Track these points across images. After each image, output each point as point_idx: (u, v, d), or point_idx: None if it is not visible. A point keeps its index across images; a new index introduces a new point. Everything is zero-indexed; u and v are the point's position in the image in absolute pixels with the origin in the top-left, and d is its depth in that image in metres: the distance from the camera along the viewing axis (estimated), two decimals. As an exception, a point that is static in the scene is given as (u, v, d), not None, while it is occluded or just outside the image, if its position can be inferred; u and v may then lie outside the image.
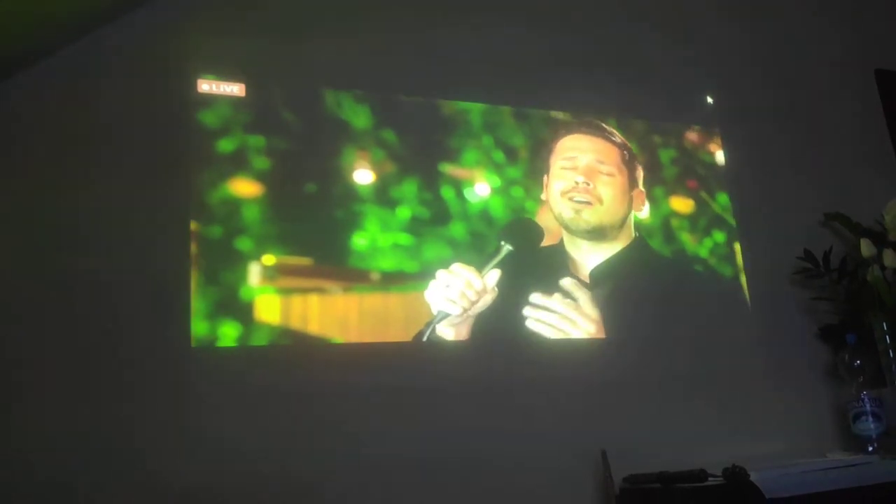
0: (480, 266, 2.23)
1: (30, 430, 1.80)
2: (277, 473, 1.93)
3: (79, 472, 1.80)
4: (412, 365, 2.16)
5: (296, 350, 2.05)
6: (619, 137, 2.52)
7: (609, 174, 2.42)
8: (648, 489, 2.02)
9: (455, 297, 2.18)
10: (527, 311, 2.28)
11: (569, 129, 2.50)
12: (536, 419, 2.16)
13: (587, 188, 2.38)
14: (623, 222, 2.44)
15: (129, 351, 1.90)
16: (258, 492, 1.89)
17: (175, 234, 2.02)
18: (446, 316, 2.18)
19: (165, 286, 1.97)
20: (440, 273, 2.20)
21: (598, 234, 2.40)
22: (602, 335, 2.34)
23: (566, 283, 2.33)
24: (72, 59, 2.04)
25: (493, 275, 2.23)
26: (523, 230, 2.35)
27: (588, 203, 2.37)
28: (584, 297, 2.33)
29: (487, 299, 2.22)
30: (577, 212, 2.37)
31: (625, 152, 2.50)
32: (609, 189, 2.41)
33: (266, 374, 2.00)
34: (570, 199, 2.38)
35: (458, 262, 2.23)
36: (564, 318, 2.30)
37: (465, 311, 2.19)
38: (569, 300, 2.32)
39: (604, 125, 2.52)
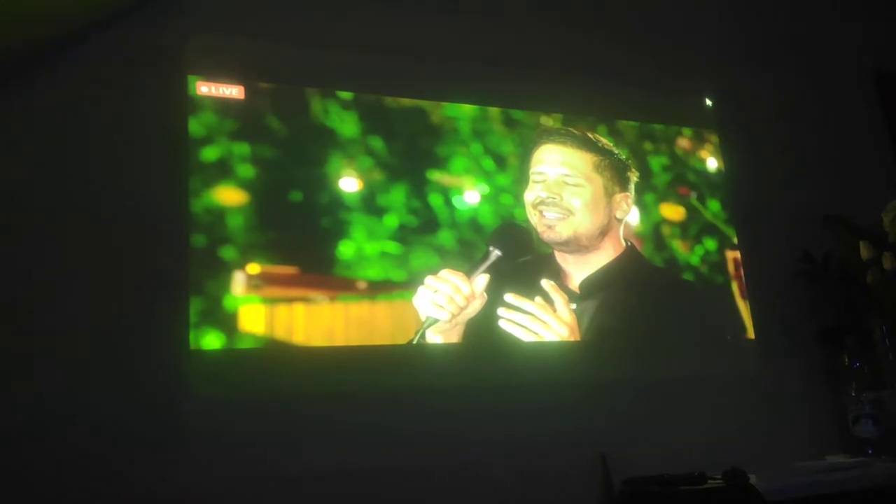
0: (469, 272, 2.28)
1: (29, 426, 1.85)
2: (274, 474, 1.98)
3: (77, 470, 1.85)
4: (405, 368, 2.22)
5: (288, 352, 2.10)
6: (596, 144, 2.53)
7: (577, 185, 2.44)
8: (648, 492, 2.07)
9: (443, 302, 2.22)
10: (500, 311, 2.32)
11: (543, 138, 2.53)
12: (535, 422, 2.21)
13: (555, 201, 2.42)
14: (603, 230, 2.47)
15: (128, 351, 1.96)
16: (255, 492, 1.96)
17: (173, 234, 2.07)
18: (435, 322, 2.21)
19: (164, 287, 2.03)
20: (428, 279, 2.24)
21: (574, 244, 2.44)
22: (575, 340, 2.38)
23: (545, 285, 2.38)
24: (70, 60, 2.10)
25: (482, 280, 2.27)
26: (512, 235, 2.39)
27: (560, 217, 2.42)
28: (560, 300, 2.37)
29: (476, 305, 2.27)
30: (550, 227, 2.42)
31: (599, 158, 2.50)
32: (579, 199, 2.44)
33: (257, 377, 2.06)
34: (541, 213, 2.43)
35: (447, 269, 2.27)
36: (536, 319, 2.33)
37: (454, 316, 2.23)
38: (544, 303, 2.36)
39: (575, 131, 2.54)
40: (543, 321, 2.34)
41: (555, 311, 2.36)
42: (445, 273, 2.26)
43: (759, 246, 2.79)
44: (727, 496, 2.02)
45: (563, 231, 2.42)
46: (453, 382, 2.25)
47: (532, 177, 2.47)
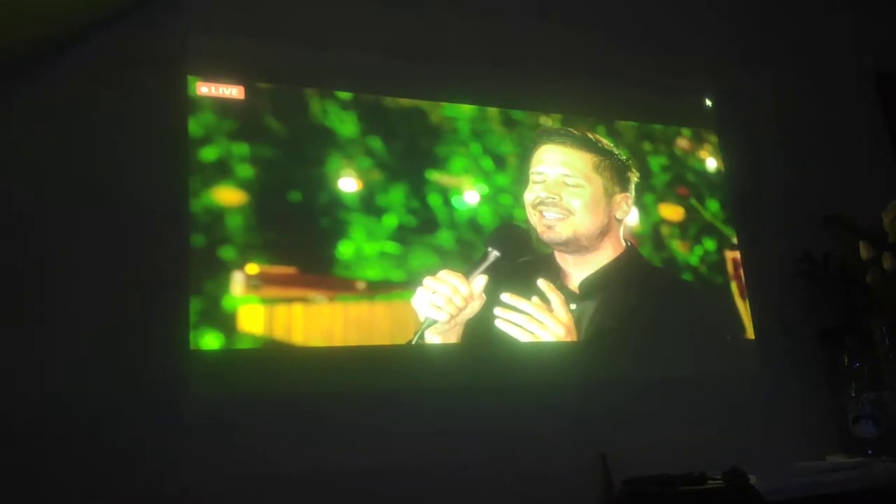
0: (468, 273, 2.28)
1: (30, 426, 1.86)
2: (273, 474, 1.99)
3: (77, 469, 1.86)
4: (404, 368, 2.23)
5: (287, 353, 2.11)
6: (596, 144, 2.54)
7: (577, 185, 2.45)
8: (648, 492, 2.08)
9: (441, 303, 2.23)
10: (497, 311, 2.32)
11: (544, 138, 2.54)
12: (535, 423, 2.22)
13: (554, 202, 2.43)
14: (603, 230, 2.48)
15: (128, 353, 1.97)
16: (255, 492, 1.96)
17: (173, 234, 2.09)
18: (433, 323, 2.22)
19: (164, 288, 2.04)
20: (427, 279, 2.25)
21: (574, 244, 2.45)
22: (572, 339, 2.39)
23: (541, 285, 2.38)
24: (70, 60, 2.10)
25: (481, 281, 2.28)
26: (511, 236, 2.40)
27: (559, 217, 2.43)
28: (557, 300, 2.38)
29: (475, 306, 2.27)
30: (550, 227, 2.43)
31: (600, 159, 2.51)
32: (579, 199, 2.44)
33: (256, 377, 2.07)
34: (540, 213, 2.44)
35: (446, 270, 2.28)
36: (533, 319, 2.34)
37: (453, 317, 2.24)
38: (541, 303, 2.37)
39: (575, 132, 2.55)
40: (540, 321, 2.35)
41: (551, 311, 2.37)
42: (444, 274, 2.27)
43: (759, 246, 2.80)
44: (727, 496, 2.03)
45: (562, 231, 2.43)
46: (453, 383, 2.26)
47: (532, 177, 2.48)
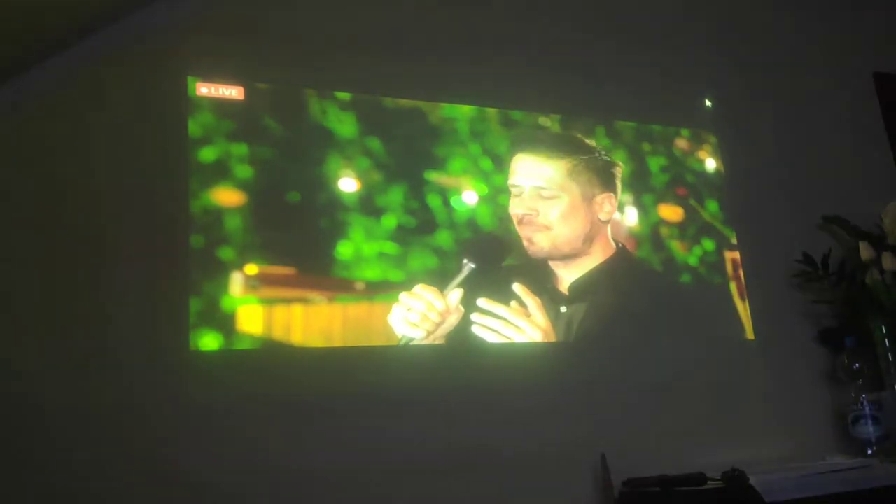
0: (444, 286, 2.28)
1: (30, 427, 1.86)
2: (272, 474, 2.00)
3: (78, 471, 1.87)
4: (404, 368, 2.24)
5: (286, 353, 2.12)
6: (570, 144, 2.53)
7: (552, 197, 2.44)
8: (648, 493, 2.09)
9: (417, 320, 2.22)
10: (473, 316, 2.31)
11: (516, 147, 2.52)
12: (534, 423, 2.22)
13: (531, 218, 2.42)
14: (588, 236, 2.47)
15: (128, 354, 1.97)
16: (253, 492, 1.97)
17: (172, 234, 2.09)
18: (410, 340, 2.21)
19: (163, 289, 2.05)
20: (402, 296, 2.24)
21: (557, 254, 2.45)
22: (551, 342, 2.38)
23: (516, 289, 2.37)
24: (70, 60, 2.11)
25: (457, 294, 2.28)
26: (486, 247, 2.39)
27: (538, 231, 2.42)
28: (533, 304, 2.37)
29: (452, 320, 2.26)
30: (530, 240, 2.42)
31: (574, 163, 2.49)
32: (555, 210, 2.44)
33: (255, 378, 2.07)
34: (522, 227, 2.43)
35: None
36: (509, 324, 2.33)
37: (430, 333, 2.23)
38: (518, 307, 2.36)
39: (548, 133, 2.57)
40: (516, 325, 2.34)
41: (528, 315, 2.36)
42: (419, 289, 2.26)
43: (758, 246, 2.80)
44: (727, 497, 2.04)
45: (542, 244, 2.43)
46: (453, 384, 2.25)
47: (511, 189, 2.47)
